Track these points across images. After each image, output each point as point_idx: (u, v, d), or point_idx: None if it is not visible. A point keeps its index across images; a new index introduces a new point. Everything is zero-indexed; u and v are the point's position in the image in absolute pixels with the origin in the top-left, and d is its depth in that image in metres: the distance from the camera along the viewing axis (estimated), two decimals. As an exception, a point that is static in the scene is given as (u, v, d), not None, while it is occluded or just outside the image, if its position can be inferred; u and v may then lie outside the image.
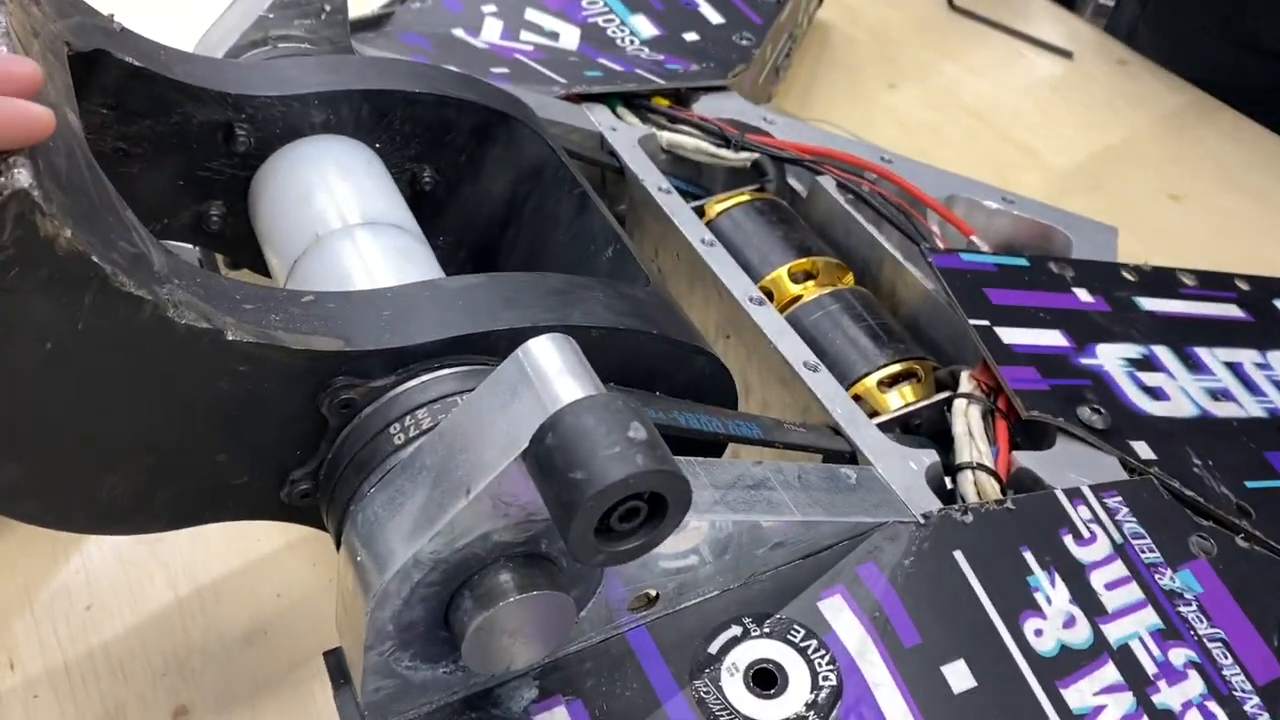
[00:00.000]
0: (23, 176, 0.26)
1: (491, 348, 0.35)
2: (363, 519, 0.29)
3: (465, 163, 0.47)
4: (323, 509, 0.34)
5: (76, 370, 0.30)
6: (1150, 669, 0.36)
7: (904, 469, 0.40)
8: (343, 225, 0.40)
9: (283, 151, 0.43)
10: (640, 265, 0.43)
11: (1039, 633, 0.36)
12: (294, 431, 0.34)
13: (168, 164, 0.42)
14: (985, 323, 0.46)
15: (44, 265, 0.27)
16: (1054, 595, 0.37)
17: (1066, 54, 0.85)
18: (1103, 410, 0.44)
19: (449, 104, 0.45)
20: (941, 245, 0.52)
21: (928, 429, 0.46)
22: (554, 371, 0.28)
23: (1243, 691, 0.37)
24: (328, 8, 0.50)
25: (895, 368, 0.46)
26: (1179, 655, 0.37)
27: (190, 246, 0.46)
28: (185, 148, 0.42)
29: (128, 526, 0.35)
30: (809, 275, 0.51)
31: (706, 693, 0.33)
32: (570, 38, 0.67)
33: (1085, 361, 0.47)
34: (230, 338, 0.31)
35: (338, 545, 0.32)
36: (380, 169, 0.44)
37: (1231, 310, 0.54)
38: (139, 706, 0.43)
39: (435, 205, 0.47)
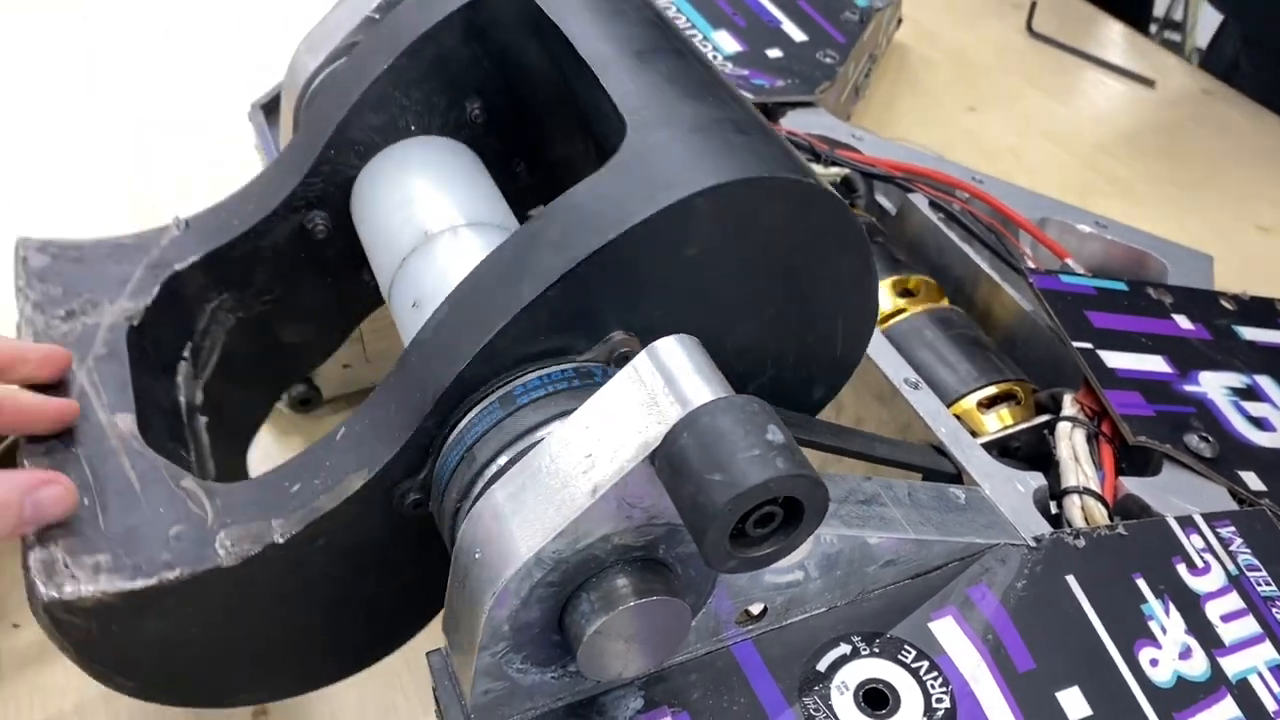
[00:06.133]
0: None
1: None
2: (482, 516, 0.29)
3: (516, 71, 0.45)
4: (434, 511, 0.34)
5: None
6: (1271, 705, 0.35)
7: (1011, 491, 0.39)
8: (449, 226, 0.39)
9: (382, 156, 0.43)
10: None
11: (1154, 662, 0.35)
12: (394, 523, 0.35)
13: (301, 291, 0.46)
14: (1088, 345, 0.45)
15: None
16: (1169, 625, 0.36)
17: (1149, 82, 0.84)
18: (1210, 438, 0.43)
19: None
20: (1034, 267, 0.51)
21: (1025, 453, 0.45)
22: (683, 372, 0.28)
23: (1365, 733, 0.35)
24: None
25: (994, 389, 0.45)
26: (1299, 693, 0.36)
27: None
28: (285, 272, 0.45)
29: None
30: (908, 292, 0.50)
31: (816, 710, 0.32)
32: (654, 51, 0.67)
33: (1189, 389, 0.46)
34: (278, 539, 0.33)
35: (450, 546, 0.32)
36: (481, 170, 0.44)
37: (1333, 343, 0.52)
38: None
39: (500, 132, 0.46)
